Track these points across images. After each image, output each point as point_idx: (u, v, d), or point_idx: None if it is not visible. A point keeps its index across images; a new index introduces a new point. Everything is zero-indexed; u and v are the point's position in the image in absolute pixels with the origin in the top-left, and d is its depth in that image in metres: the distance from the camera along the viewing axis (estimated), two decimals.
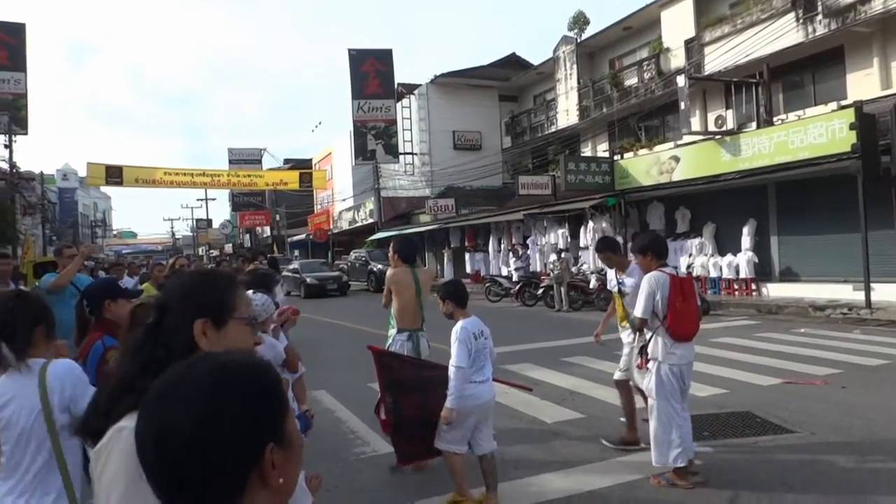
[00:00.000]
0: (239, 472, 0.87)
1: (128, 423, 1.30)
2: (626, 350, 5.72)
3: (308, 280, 25.15)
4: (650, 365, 4.82)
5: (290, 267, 27.24)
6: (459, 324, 4.37)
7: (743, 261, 16.18)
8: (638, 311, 4.80)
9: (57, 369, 2.49)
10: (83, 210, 71.15)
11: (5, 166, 28.12)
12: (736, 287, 16.53)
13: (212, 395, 0.87)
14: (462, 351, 4.21)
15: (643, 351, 4.90)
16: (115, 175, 28.08)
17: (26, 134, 27.89)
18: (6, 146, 27.42)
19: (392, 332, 5.51)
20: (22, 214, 30.03)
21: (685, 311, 4.71)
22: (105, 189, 62.93)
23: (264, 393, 0.92)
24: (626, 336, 5.73)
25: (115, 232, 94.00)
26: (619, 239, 18.78)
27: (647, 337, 4.85)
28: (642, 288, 4.80)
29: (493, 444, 4.45)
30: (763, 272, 16.23)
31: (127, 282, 10.54)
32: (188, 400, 0.87)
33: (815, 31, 16.61)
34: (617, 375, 5.87)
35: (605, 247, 5.91)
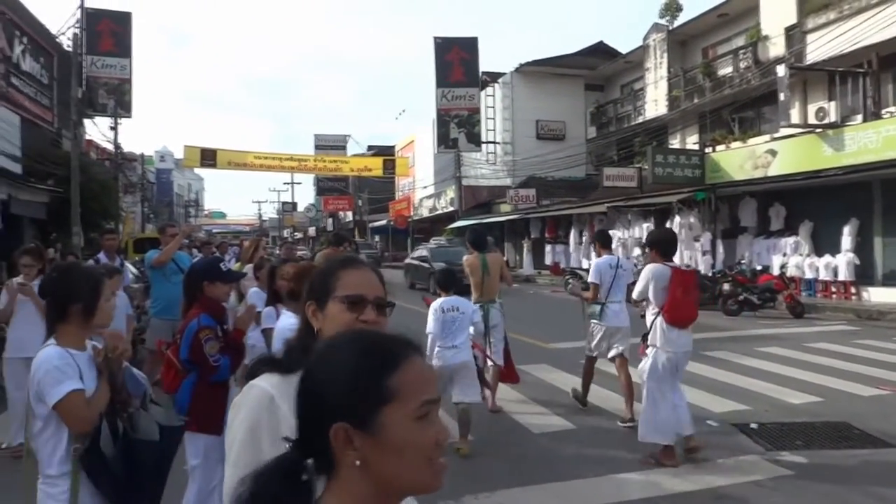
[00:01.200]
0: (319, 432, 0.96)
1: (259, 381, 1.49)
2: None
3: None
4: (649, 351, 5.29)
5: (417, 254, 23.82)
6: (437, 301, 5.61)
7: (842, 262, 15.33)
8: (634, 294, 5.57)
9: (39, 357, 2.42)
10: (178, 190, 74.63)
11: (111, 147, 29.78)
12: (833, 290, 15.69)
13: (317, 361, 1.02)
14: (430, 321, 5.46)
15: (644, 338, 5.39)
16: (209, 158, 29.27)
17: (130, 117, 29.34)
18: (112, 128, 29.01)
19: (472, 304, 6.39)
20: (123, 193, 31.76)
21: (684, 301, 5.20)
22: (198, 171, 65.82)
23: (350, 377, 0.97)
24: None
25: (206, 212, 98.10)
26: (708, 234, 18.21)
27: (648, 325, 5.35)
28: (642, 275, 5.41)
29: (467, 399, 5.39)
30: (864, 275, 15.33)
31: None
32: (310, 362, 1.03)
33: None
34: (611, 353, 6.63)
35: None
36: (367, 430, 0.94)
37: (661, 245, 5.46)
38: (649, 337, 5.32)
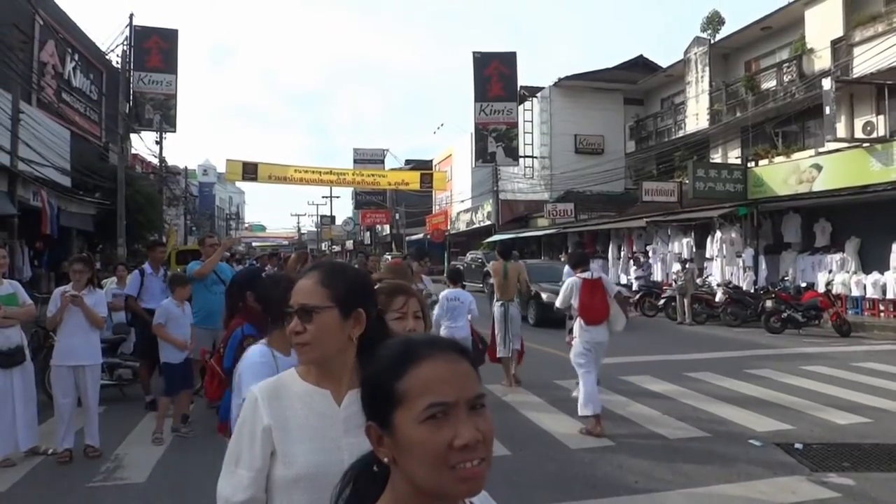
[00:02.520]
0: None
1: (254, 386, 1.57)
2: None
3: (545, 297, 14.79)
4: (574, 341, 6.78)
5: None
6: (443, 292, 7.44)
7: (891, 280, 14.85)
8: (557, 303, 7.15)
9: (248, 351, 2.65)
10: (219, 203, 76.16)
11: (155, 161, 30.57)
12: (882, 308, 15.21)
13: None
14: (437, 308, 7.18)
15: (571, 331, 7.08)
16: (250, 171, 29.79)
17: (175, 132, 30.15)
18: (157, 143, 29.81)
19: (496, 301, 8.82)
20: (167, 206, 32.52)
21: (591, 303, 6.65)
22: (239, 184, 67.02)
23: (374, 379, 1.02)
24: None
25: (246, 225, 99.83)
26: (751, 250, 17.86)
27: (572, 323, 7.03)
28: (563, 287, 7.02)
29: None
30: None
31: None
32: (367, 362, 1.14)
33: None
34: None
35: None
36: (388, 431, 0.98)
37: (573, 260, 7.38)
38: (574, 331, 6.84)
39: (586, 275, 6.83)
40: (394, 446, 0.97)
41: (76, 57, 21.27)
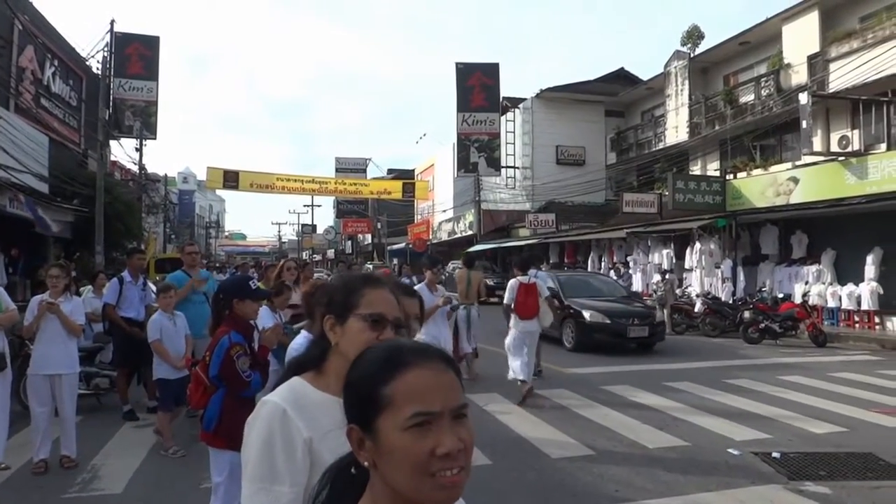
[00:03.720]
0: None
1: (272, 397, 1.50)
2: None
3: (587, 317, 12.77)
4: (510, 332, 8.41)
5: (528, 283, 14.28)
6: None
7: (866, 291, 15.09)
8: (505, 300, 8.54)
9: (295, 341, 2.94)
10: (199, 211, 75.49)
11: (135, 168, 30.29)
12: (857, 319, 15.44)
13: (351, 366, 1.09)
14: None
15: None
16: (231, 179, 29.59)
17: (155, 139, 29.87)
18: (137, 150, 29.53)
19: (461, 306, 9.71)
20: (146, 213, 32.19)
21: (525, 302, 8.30)
22: (220, 192, 66.61)
23: (359, 382, 1.03)
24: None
25: (226, 233, 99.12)
26: (729, 261, 18.06)
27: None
28: (508, 288, 8.51)
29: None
30: (888, 304, 15.06)
31: None
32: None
33: None
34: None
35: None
36: (370, 435, 0.98)
37: (519, 265, 8.85)
38: (510, 323, 8.44)
39: (524, 279, 8.42)
40: (375, 450, 0.98)
41: (56, 62, 21.05)
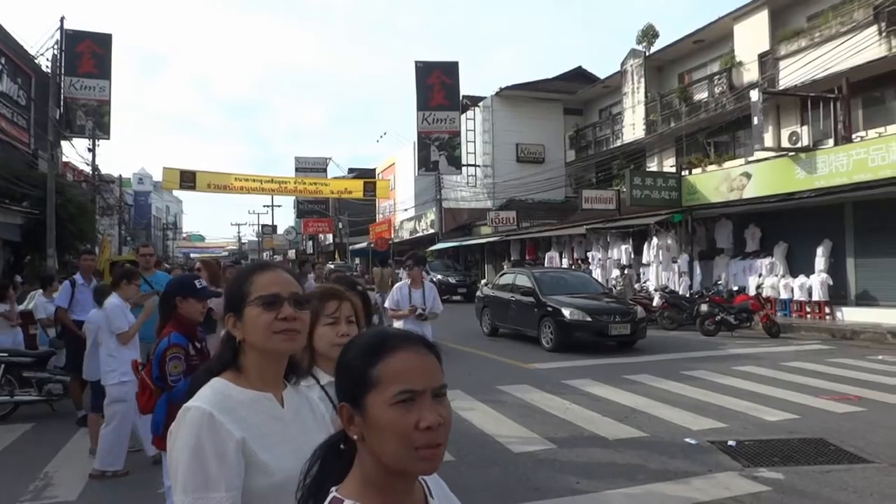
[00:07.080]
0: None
1: (194, 402, 1.44)
2: None
3: (567, 315, 12.22)
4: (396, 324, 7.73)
5: (506, 282, 15.04)
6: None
7: (816, 283, 15.56)
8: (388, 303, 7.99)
9: None
10: (156, 213, 73.94)
11: (88, 169, 29.54)
12: (808, 310, 15.90)
13: (342, 351, 1.18)
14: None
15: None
16: (188, 180, 29.06)
17: (108, 139, 29.16)
18: (90, 150, 28.82)
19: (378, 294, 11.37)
20: (100, 215, 31.42)
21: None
22: (177, 193, 65.36)
23: (349, 364, 1.12)
24: None
25: (184, 235, 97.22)
26: (686, 256, 18.42)
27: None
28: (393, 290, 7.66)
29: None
30: (837, 295, 15.56)
31: None
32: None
33: None
34: None
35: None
36: (359, 411, 1.08)
37: (411, 262, 7.87)
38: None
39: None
40: (364, 425, 1.07)
41: (2, 60, 20.42)
